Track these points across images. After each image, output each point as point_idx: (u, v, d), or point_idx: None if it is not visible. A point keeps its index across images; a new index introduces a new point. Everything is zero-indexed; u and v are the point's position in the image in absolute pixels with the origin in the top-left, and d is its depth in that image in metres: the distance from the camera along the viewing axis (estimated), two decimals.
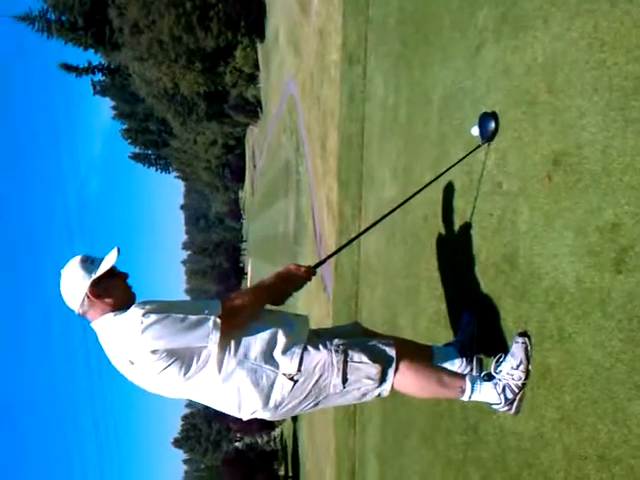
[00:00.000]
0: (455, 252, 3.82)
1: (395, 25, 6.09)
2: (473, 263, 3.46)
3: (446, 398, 3.08)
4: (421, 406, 4.02)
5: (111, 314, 2.60)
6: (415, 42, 5.24)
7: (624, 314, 2.21)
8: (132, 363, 2.55)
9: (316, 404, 2.75)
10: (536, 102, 2.91)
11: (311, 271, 2.83)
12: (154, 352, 2.49)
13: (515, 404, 2.78)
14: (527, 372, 2.76)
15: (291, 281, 2.80)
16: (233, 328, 2.59)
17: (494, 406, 2.82)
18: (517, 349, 2.80)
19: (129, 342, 2.50)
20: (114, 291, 2.65)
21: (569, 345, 2.50)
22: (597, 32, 2.47)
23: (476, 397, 2.81)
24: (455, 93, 4.06)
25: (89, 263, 2.65)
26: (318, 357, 2.67)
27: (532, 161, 2.90)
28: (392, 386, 2.73)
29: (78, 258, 2.67)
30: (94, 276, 2.60)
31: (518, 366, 2.77)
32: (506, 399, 2.76)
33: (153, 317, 2.46)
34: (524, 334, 2.84)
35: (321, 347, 2.70)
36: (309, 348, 2.69)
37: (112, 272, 2.66)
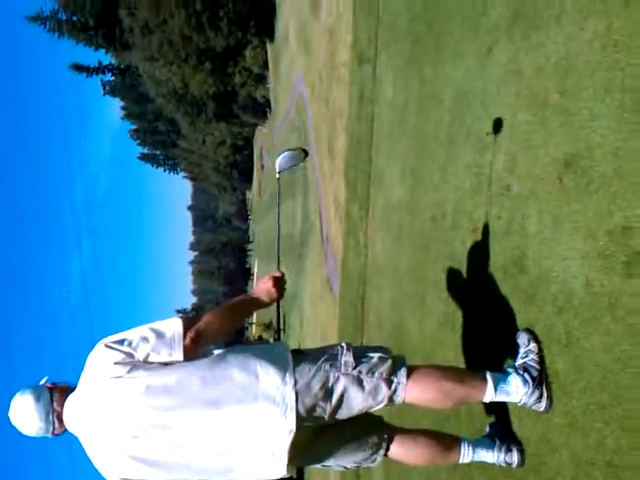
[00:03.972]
0: (463, 254, 3.79)
1: (406, 24, 6.06)
2: (481, 266, 3.43)
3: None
4: (427, 410, 3.98)
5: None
6: (426, 41, 5.21)
7: (634, 318, 2.18)
8: None
9: None
10: (547, 104, 2.88)
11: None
12: None
13: (545, 395, 2.59)
14: (538, 342, 2.70)
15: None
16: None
17: (523, 398, 2.60)
18: (519, 337, 2.79)
19: None
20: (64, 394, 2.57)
21: (577, 350, 2.47)
22: (610, 32, 2.44)
23: (501, 397, 2.66)
24: (466, 93, 4.04)
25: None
26: None
27: (542, 163, 2.87)
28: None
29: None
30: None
31: (529, 342, 2.71)
32: (533, 379, 2.59)
33: None
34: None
35: None
36: None
37: (55, 391, 2.56)
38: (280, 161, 2.92)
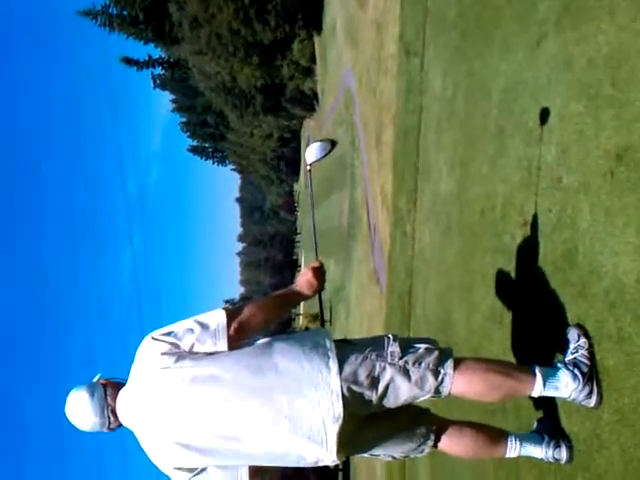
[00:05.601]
0: (512, 247, 3.76)
1: (454, 17, 6.01)
2: (530, 259, 3.40)
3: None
4: (472, 405, 3.98)
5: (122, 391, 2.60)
6: (474, 34, 5.16)
7: None
8: None
9: None
10: (599, 95, 2.83)
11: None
12: None
13: (595, 391, 2.56)
14: (588, 337, 2.66)
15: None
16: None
17: (573, 394, 2.57)
18: (569, 333, 2.75)
19: None
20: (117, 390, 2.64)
21: (628, 346, 2.43)
22: None
23: (550, 392, 2.62)
24: (515, 85, 3.99)
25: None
26: None
27: (594, 156, 2.83)
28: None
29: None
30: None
31: (579, 337, 2.67)
32: (583, 374, 2.56)
33: None
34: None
35: None
36: None
37: (108, 386, 2.64)
38: (309, 153, 2.95)
